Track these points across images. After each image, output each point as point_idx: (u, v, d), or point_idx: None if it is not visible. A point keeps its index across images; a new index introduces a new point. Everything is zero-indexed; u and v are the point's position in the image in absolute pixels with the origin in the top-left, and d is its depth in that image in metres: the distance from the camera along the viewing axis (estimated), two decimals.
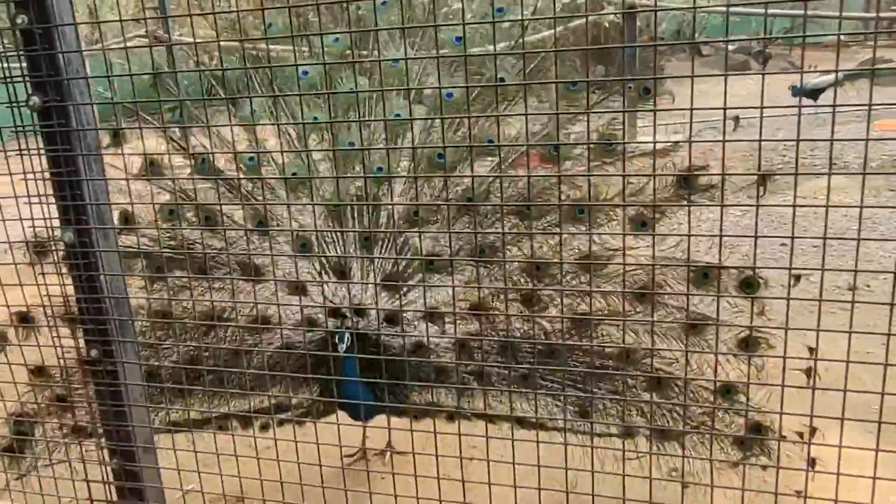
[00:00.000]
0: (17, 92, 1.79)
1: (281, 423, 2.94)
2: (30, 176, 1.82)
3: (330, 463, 2.13)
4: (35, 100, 1.76)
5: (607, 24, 15.21)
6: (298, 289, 3.22)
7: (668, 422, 3.07)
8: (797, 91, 9.54)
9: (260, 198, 3.28)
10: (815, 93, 10.35)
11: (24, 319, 2.61)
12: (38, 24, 1.71)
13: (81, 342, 1.96)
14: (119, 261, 1.92)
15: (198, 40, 2.93)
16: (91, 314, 1.89)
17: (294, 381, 3.32)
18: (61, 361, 2.06)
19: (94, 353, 1.91)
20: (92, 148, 1.83)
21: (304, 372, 2.57)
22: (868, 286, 5.65)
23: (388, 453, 3.97)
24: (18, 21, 1.71)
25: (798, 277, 2.15)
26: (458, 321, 3.25)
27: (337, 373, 3.09)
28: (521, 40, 2.96)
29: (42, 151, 1.81)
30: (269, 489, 1.98)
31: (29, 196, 1.84)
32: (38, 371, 2.61)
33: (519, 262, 3.13)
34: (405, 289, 3.30)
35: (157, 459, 2.08)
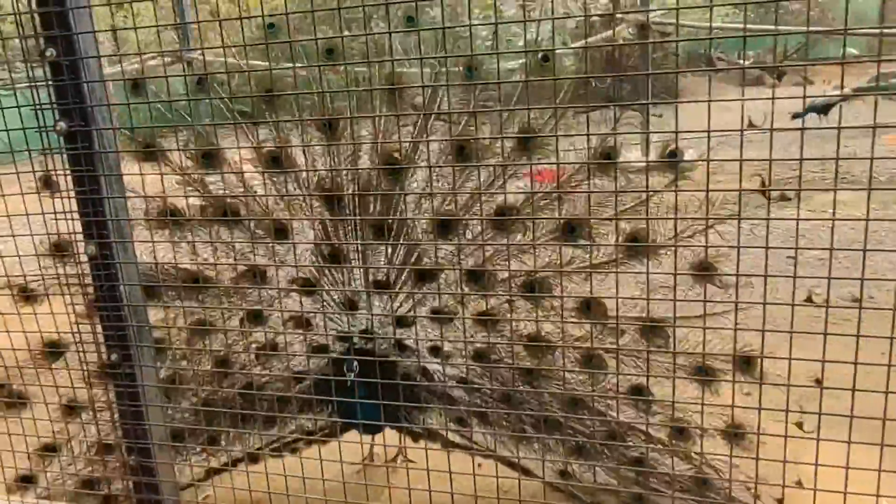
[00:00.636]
0: (46, 118, 1.97)
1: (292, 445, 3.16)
2: (55, 194, 1.99)
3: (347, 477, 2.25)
4: (62, 125, 1.93)
5: (622, 40, 15.41)
6: (305, 322, 3.33)
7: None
8: (810, 108, 9.62)
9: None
10: (825, 108, 10.42)
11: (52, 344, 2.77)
12: (65, 57, 1.89)
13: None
14: (137, 272, 2.09)
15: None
16: (111, 321, 2.06)
17: (311, 404, 3.48)
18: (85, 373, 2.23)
19: (114, 356, 2.08)
20: (113, 169, 2.00)
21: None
22: (871, 298, 5.70)
23: (401, 456, 4.11)
24: (48, 54, 1.89)
25: (809, 298, 2.15)
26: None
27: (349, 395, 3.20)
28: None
29: (67, 172, 1.99)
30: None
31: (55, 213, 2.01)
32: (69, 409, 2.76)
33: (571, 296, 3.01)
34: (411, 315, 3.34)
35: (172, 457, 2.23)
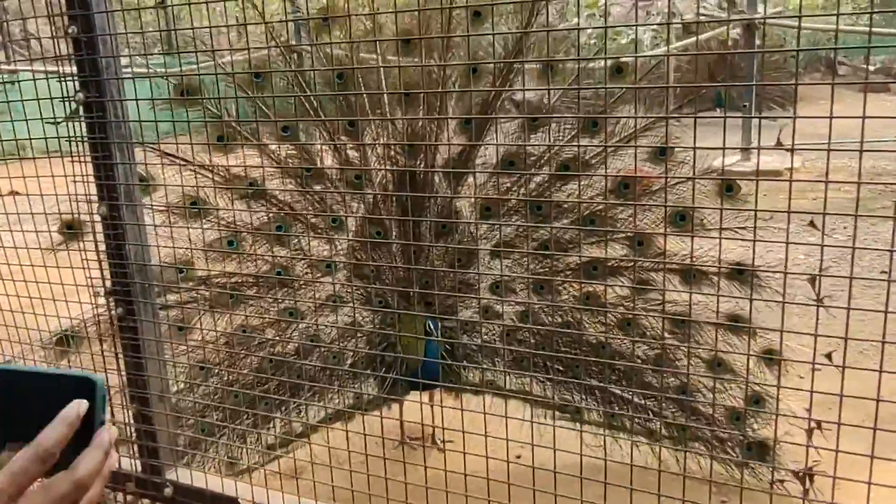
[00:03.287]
0: (67, 89, 2.17)
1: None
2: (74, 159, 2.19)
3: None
4: (80, 95, 2.13)
5: (730, 43, 14.93)
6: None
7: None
8: None
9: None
10: None
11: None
12: (83, 34, 2.08)
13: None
14: (143, 234, 2.27)
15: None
16: (118, 278, 2.24)
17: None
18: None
19: (119, 311, 2.27)
20: (124, 137, 2.19)
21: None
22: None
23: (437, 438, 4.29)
24: (70, 31, 2.09)
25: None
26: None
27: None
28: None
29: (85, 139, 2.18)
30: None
31: (74, 175, 2.21)
32: None
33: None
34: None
35: (174, 408, 2.40)
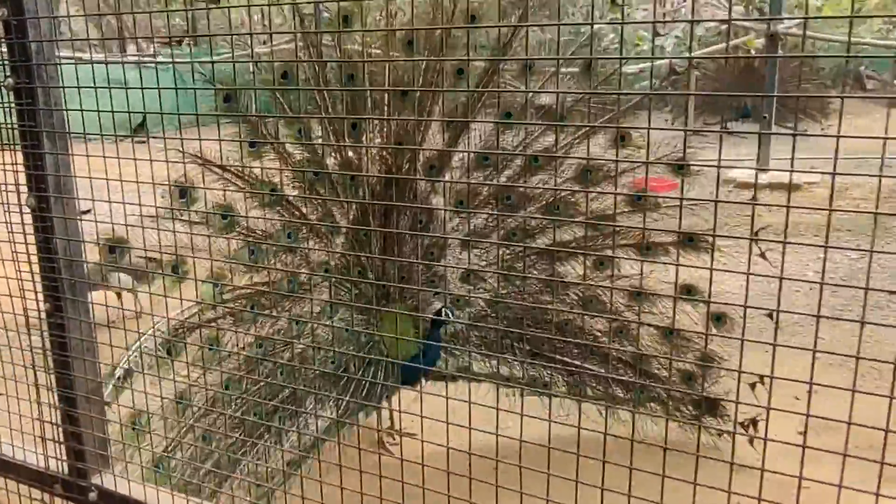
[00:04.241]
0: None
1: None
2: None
3: None
4: (9, 81, 2.04)
5: (754, 52, 14.64)
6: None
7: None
8: None
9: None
10: None
11: None
12: (13, 17, 1.99)
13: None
14: (76, 228, 2.17)
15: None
16: (46, 272, 2.15)
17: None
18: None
19: (47, 306, 2.17)
20: (56, 126, 2.09)
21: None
22: None
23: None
24: (0, 13, 2.00)
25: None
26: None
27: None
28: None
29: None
30: None
31: (3, 165, 2.13)
32: None
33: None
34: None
35: (104, 411, 2.31)
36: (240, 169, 3.54)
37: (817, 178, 10.62)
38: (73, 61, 2.19)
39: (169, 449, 3.27)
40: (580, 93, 3.89)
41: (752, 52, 12.88)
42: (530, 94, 3.83)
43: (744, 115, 16.00)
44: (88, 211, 2.10)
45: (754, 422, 2.85)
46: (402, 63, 3.60)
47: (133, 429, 3.09)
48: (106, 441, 2.33)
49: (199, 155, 3.42)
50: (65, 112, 2.11)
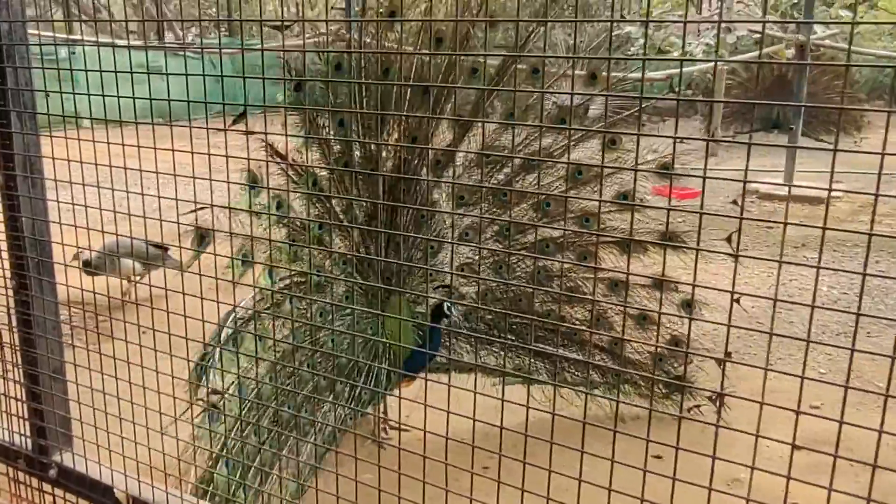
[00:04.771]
0: None
1: None
2: None
3: None
4: None
5: (784, 60, 14.42)
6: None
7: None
8: None
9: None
10: None
11: None
12: None
13: None
14: (43, 207, 2.20)
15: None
16: (13, 251, 2.18)
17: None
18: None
19: (13, 283, 2.20)
20: (27, 107, 2.11)
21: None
22: None
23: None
24: None
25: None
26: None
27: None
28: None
29: None
30: None
31: None
32: None
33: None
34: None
35: (67, 390, 2.33)
36: (299, 161, 3.58)
37: (839, 193, 10.43)
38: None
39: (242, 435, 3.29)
40: (591, 94, 3.92)
41: (784, 61, 12.67)
42: (543, 94, 3.86)
43: (773, 126, 15.76)
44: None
45: (721, 396, 3.15)
46: (426, 61, 3.61)
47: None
48: (68, 420, 2.36)
49: (272, 145, 3.46)
50: (44, 94, 2.14)
